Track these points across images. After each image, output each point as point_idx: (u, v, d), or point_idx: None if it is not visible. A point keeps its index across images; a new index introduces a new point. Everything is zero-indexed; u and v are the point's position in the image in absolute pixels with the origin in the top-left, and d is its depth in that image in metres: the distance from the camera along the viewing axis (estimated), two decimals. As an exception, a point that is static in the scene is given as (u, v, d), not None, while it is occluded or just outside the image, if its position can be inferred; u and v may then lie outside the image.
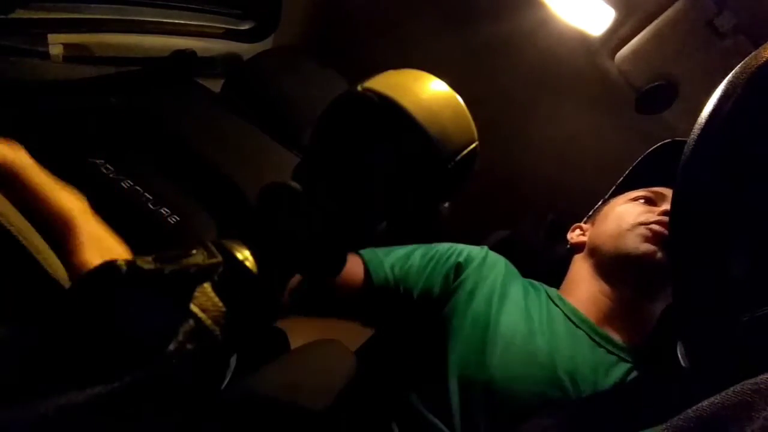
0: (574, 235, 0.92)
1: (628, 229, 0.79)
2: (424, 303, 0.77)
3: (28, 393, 0.22)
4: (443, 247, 0.83)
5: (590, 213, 0.96)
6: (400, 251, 0.81)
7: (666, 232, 0.75)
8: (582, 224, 0.94)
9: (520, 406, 0.65)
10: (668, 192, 0.84)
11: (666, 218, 0.77)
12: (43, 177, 0.34)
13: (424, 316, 0.77)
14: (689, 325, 0.46)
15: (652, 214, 0.79)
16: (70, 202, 0.34)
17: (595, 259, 0.84)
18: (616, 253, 0.79)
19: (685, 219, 0.45)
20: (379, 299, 0.76)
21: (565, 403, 0.66)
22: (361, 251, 0.78)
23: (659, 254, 0.74)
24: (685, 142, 0.92)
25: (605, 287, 0.80)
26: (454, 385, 0.68)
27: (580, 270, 0.85)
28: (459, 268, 0.79)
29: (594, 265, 0.84)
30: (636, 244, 0.76)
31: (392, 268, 0.77)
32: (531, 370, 0.67)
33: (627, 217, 0.81)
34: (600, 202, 0.95)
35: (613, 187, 0.95)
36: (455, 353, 0.70)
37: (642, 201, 0.84)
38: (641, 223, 0.78)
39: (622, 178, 0.94)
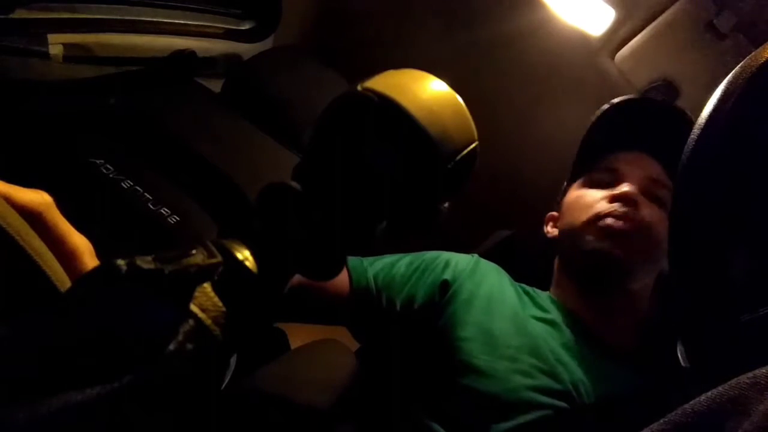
0: (549, 229, 0.89)
1: (582, 227, 0.77)
2: (407, 314, 0.75)
3: (28, 393, 0.22)
4: (430, 257, 0.81)
5: (558, 198, 0.92)
6: (386, 260, 0.79)
7: (616, 221, 0.73)
8: (554, 213, 0.90)
9: (527, 418, 0.64)
10: (626, 168, 0.81)
11: (616, 206, 0.75)
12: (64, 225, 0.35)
13: (413, 328, 0.75)
14: (689, 325, 0.46)
15: (603, 203, 0.77)
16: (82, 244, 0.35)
17: (563, 257, 0.83)
18: (576, 252, 0.77)
19: (685, 219, 0.45)
20: (361, 307, 0.75)
21: (572, 414, 0.65)
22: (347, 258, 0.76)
23: (614, 250, 0.72)
24: (635, 99, 0.90)
25: (580, 285, 0.79)
26: (458, 396, 0.67)
27: (559, 267, 0.84)
28: (445, 285, 0.76)
29: (564, 262, 0.82)
30: (590, 242, 0.75)
31: (376, 276, 0.76)
32: (539, 381, 0.66)
33: (580, 211, 0.79)
34: (564, 184, 0.91)
35: (572, 165, 0.90)
36: (459, 364, 0.69)
37: (600, 183, 0.81)
38: (594, 218, 0.76)
39: (578, 152, 0.90)
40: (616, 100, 0.87)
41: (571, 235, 0.79)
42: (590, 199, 0.79)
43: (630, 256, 0.73)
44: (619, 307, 0.77)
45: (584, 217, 0.77)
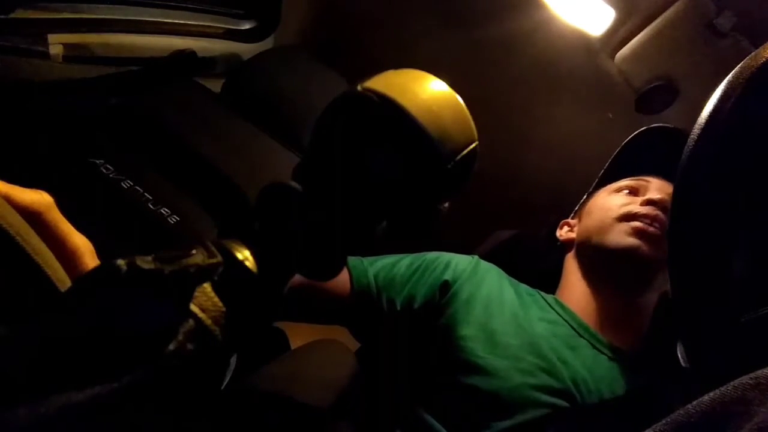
0: (562, 233, 0.91)
1: (611, 225, 0.78)
2: (407, 314, 0.75)
3: (28, 393, 0.22)
4: (430, 257, 0.81)
5: (576, 208, 0.94)
6: (387, 260, 0.79)
7: (648, 226, 0.75)
8: (570, 220, 0.92)
9: (527, 417, 0.64)
10: (651, 180, 0.83)
11: (648, 209, 0.76)
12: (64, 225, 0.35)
13: (413, 328, 0.75)
14: (689, 326, 0.46)
15: (634, 205, 0.78)
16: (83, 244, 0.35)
17: (583, 257, 0.83)
18: (601, 249, 0.78)
19: (685, 219, 0.45)
20: (362, 307, 0.75)
21: (572, 413, 0.65)
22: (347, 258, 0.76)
23: (643, 248, 0.73)
24: (665, 127, 0.92)
25: (596, 285, 0.79)
26: (459, 394, 0.67)
27: (572, 269, 0.84)
28: (446, 286, 0.77)
29: (583, 262, 0.83)
30: (619, 239, 0.76)
31: (376, 276, 0.76)
32: (540, 380, 0.66)
33: (609, 211, 0.80)
34: (585, 196, 0.93)
35: (597, 179, 0.93)
36: (460, 362, 0.69)
37: (625, 192, 0.83)
38: (624, 217, 0.77)
39: (604, 169, 0.93)
40: (654, 125, 0.89)
41: (598, 232, 0.80)
42: (621, 201, 0.81)
43: (657, 258, 0.73)
44: (629, 312, 0.77)
45: (614, 214, 0.79)
